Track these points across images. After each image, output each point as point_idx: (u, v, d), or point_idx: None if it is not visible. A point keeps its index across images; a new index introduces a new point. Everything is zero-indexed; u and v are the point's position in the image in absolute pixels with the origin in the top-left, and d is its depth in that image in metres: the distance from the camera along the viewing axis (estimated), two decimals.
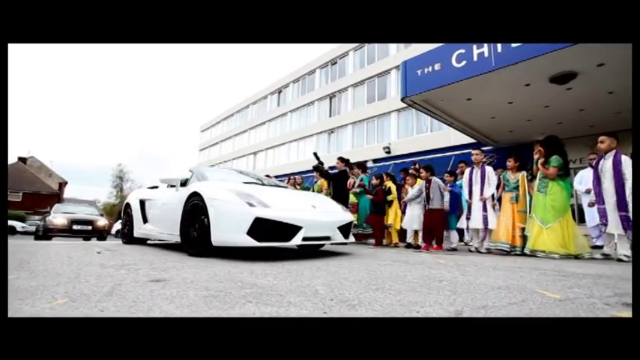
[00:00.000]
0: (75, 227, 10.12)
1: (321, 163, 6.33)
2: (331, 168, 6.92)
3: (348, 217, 3.70)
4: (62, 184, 39.87)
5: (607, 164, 3.87)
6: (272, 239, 2.93)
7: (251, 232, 2.86)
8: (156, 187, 4.90)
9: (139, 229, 4.72)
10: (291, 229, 2.98)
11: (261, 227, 2.88)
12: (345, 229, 3.50)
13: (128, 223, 5.12)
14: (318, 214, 3.38)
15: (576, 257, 3.80)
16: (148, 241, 5.23)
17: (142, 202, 4.78)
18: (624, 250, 3.64)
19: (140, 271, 2.29)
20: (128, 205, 5.18)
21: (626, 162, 3.74)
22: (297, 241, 2.98)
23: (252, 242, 2.84)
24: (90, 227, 10.45)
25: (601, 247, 4.36)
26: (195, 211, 3.29)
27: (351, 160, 6.94)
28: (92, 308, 1.32)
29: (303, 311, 1.33)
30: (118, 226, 21.78)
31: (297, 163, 22.24)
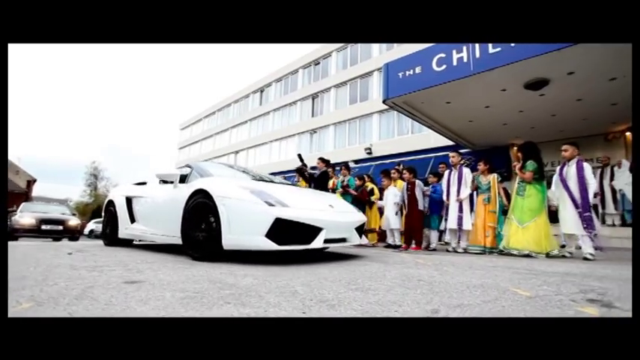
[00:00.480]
0: (44, 227, 9.66)
1: (304, 165, 6.33)
2: (312, 168, 6.92)
3: (362, 217, 3.61)
4: (31, 182, 37.99)
5: (571, 170, 4.18)
6: (292, 242, 2.70)
7: (270, 235, 2.62)
8: (144, 183, 4.55)
9: (126, 230, 4.35)
10: (312, 231, 2.78)
11: (281, 229, 2.64)
12: (359, 230, 3.40)
13: (111, 222, 4.67)
14: (337, 214, 3.22)
15: (547, 255, 4.02)
16: (134, 242, 4.93)
17: (129, 200, 4.40)
18: (588, 248, 3.89)
19: (114, 272, 2.22)
20: (111, 203, 4.73)
21: (588, 168, 4.09)
22: (318, 243, 2.78)
23: (271, 245, 2.60)
24: (60, 227, 10.01)
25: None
26: (200, 211, 3.01)
27: (334, 161, 6.97)
28: (61, 312, 1.27)
29: (282, 312, 1.32)
30: (91, 225, 21.00)
31: (279, 162, 22.12)
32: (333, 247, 4.73)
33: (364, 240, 3.49)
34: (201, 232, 2.98)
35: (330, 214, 3.12)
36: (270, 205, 2.71)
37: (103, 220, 5.02)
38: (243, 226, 2.72)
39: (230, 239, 2.74)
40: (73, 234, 10.30)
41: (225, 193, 2.86)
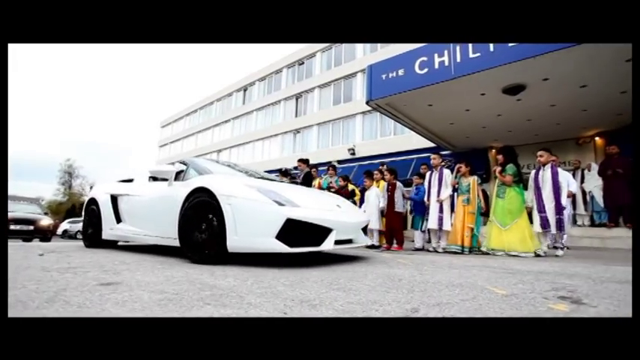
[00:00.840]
0: (13, 227, 9.19)
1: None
2: (295, 168, 6.94)
3: (367, 217, 3.55)
4: None
5: (546, 175, 4.47)
6: (303, 244, 2.56)
7: (281, 236, 2.48)
8: (130, 181, 4.29)
9: (111, 230, 4.06)
10: (323, 232, 2.66)
11: (292, 230, 2.51)
12: (364, 231, 3.36)
13: (93, 222, 4.36)
14: (345, 214, 3.12)
15: (535, 253, 4.21)
16: (119, 243, 4.70)
17: (114, 198, 4.13)
18: (560, 246, 4.37)
19: (89, 274, 2.14)
20: (93, 201, 4.40)
21: (562, 173, 4.45)
22: (328, 245, 2.66)
23: (282, 248, 2.46)
24: (31, 227, 9.57)
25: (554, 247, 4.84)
26: (201, 210, 2.82)
27: (317, 161, 6.98)
28: (29, 316, 1.21)
29: (263, 312, 1.31)
30: (64, 225, 20.20)
31: (262, 162, 21.94)
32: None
33: (368, 241, 3.43)
34: (201, 233, 2.79)
35: (339, 214, 3.02)
36: (280, 204, 2.57)
37: (83, 220, 4.70)
38: (251, 227, 2.57)
39: (236, 241, 2.58)
40: (45, 234, 9.88)
41: (230, 191, 2.69)
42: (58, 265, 2.53)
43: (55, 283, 1.80)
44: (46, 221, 10.15)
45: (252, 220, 2.58)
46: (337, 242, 2.79)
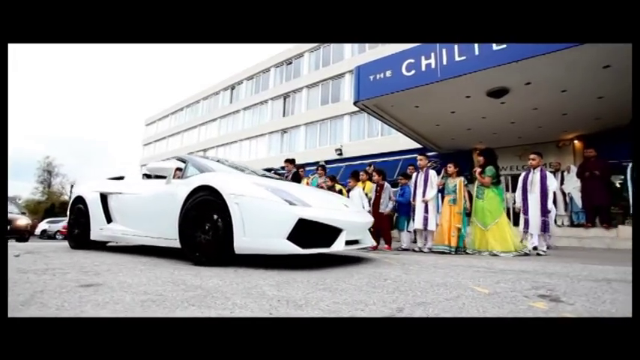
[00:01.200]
0: None
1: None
2: (282, 168, 6.92)
3: (372, 217, 3.53)
4: None
5: (535, 178, 4.70)
6: (314, 245, 2.48)
7: (292, 237, 2.40)
8: (121, 178, 4.13)
9: (101, 231, 3.86)
10: (333, 233, 2.59)
11: (304, 230, 2.43)
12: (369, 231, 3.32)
13: (80, 222, 4.14)
14: (354, 214, 3.05)
15: (517, 252, 4.32)
16: (109, 244, 4.53)
17: (104, 197, 3.94)
18: (542, 246, 4.55)
19: (68, 275, 2.08)
20: (80, 200, 4.20)
21: (550, 176, 4.67)
22: (339, 246, 2.57)
23: (294, 249, 2.38)
24: (7, 227, 9.22)
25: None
26: (204, 210, 2.69)
27: (305, 161, 6.98)
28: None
29: (249, 312, 1.30)
30: (43, 225, 19.55)
31: (249, 162, 21.77)
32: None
33: (374, 242, 3.40)
34: (205, 234, 2.67)
35: (347, 214, 2.96)
36: (292, 204, 2.49)
37: (68, 219, 4.49)
38: (261, 227, 2.47)
39: (244, 242, 2.48)
40: (22, 234, 9.53)
41: (237, 190, 2.57)
42: (36, 267, 2.45)
43: (31, 285, 1.74)
44: (22, 221, 9.80)
45: (261, 220, 2.48)
46: (346, 243, 2.72)
